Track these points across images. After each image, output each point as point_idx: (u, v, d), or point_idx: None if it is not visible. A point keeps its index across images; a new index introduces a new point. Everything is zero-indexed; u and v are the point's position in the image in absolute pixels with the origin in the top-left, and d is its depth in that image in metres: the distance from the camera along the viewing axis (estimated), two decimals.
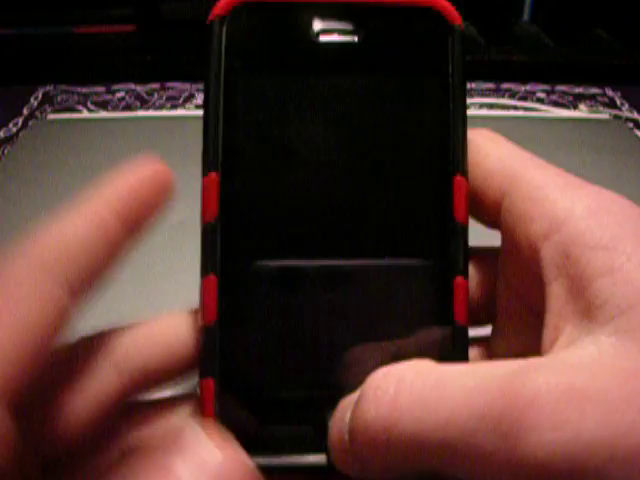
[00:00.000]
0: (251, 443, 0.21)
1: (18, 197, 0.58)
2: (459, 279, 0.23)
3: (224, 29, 0.24)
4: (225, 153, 0.23)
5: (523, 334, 0.23)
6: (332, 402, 0.21)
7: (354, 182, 0.23)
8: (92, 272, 0.22)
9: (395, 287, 0.23)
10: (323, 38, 0.24)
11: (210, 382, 0.22)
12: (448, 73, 0.24)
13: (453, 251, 0.23)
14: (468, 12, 0.90)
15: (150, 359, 0.23)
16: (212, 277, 0.23)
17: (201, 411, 0.22)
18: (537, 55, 0.86)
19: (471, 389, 0.17)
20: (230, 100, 0.24)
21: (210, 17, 0.24)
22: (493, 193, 0.22)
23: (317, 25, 0.24)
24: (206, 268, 0.23)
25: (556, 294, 0.19)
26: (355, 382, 0.20)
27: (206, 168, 0.23)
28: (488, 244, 0.24)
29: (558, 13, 0.90)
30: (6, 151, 0.66)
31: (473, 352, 0.25)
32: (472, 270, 0.24)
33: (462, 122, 0.24)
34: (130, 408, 0.24)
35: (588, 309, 0.18)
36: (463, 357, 0.23)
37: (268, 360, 0.23)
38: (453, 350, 0.23)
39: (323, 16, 0.24)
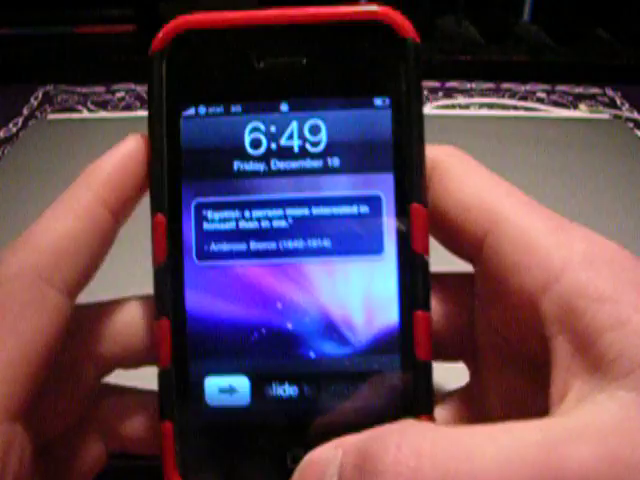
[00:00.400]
0: None
1: (18, 197, 0.58)
2: (419, 313, 0.22)
3: (164, 64, 0.23)
4: (170, 198, 0.23)
5: (509, 375, 0.23)
6: (298, 449, 0.22)
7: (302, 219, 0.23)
8: (88, 268, 0.22)
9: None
10: (268, 63, 0.23)
11: (168, 425, 0.22)
12: (401, 92, 0.23)
13: (413, 284, 0.22)
14: (468, 12, 0.90)
15: (116, 347, 0.24)
16: (165, 321, 0.23)
17: (162, 458, 0.22)
18: (537, 55, 0.86)
19: (505, 462, 0.15)
20: (173, 143, 0.23)
21: (150, 51, 0.23)
22: (472, 229, 0.22)
23: (261, 50, 0.23)
24: (160, 310, 0.23)
25: (562, 349, 0.19)
26: (314, 425, 0.22)
27: (154, 209, 0.23)
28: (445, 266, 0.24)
29: (558, 13, 0.90)
30: (6, 151, 0.66)
31: (449, 396, 0.24)
32: (437, 300, 0.24)
33: (417, 145, 0.23)
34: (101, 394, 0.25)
35: (598, 364, 0.18)
36: (427, 396, 0.22)
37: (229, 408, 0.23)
38: (415, 388, 0.22)
39: (267, 40, 0.23)
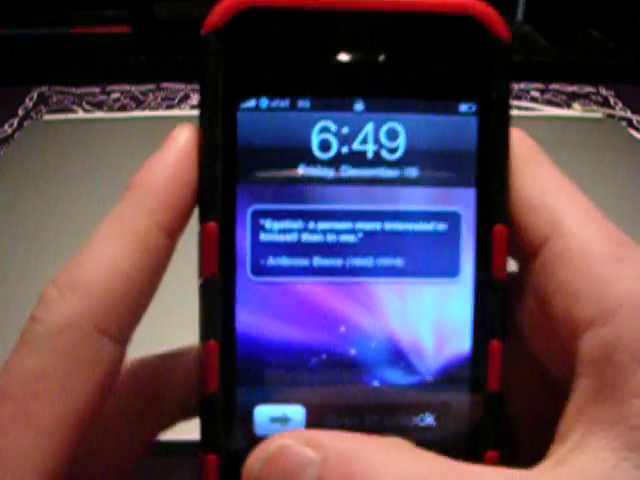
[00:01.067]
0: None
1: (14, 198, 0.58)
2: (495, 344, 0.20)
3: (221, 46, 0.20)
4: (224, 204, 0.20)
5: (530, 381, 0.22)
6: None
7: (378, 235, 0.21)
8: (143, 306, 0.19)
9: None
10: (343, 53, 0.20)
11: (212, 459, 0.20)
12: (490, 98, 0.20)
13: (490, 311, 0.21)
14: None
15: (178, 401, 0.22)
16: (213, 344, 0.20)
17: None
18: (531, 54, 0.86)
19: None
20: (229, 139, 0.20)
21: (204, 29, 0.20)
22: (532, 232, 0.20)
23: (337, 38, 0.20)
24: (207, 331, 0.20)
25: (584, 391, 0.18)
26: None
27: (204, 216, 0.20)
28: None
29: (552, 13, 0.91)
30: (2, 152, 0.66)
31: None
32: None
33: (504, 159, 0.21)
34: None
35: (616, 425, 0.17)
36: (494, 431, 0.21)
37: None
38: (484, 422, 0.21)
39: (344, 27, 0.20)
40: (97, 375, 0.18)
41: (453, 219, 0.21)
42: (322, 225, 0.21)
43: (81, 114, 0.74)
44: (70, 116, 0.74)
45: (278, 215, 0.21)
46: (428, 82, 0.21)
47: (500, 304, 0.21)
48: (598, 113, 0.75)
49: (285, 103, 0.20)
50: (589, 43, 0.90)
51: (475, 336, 0.21)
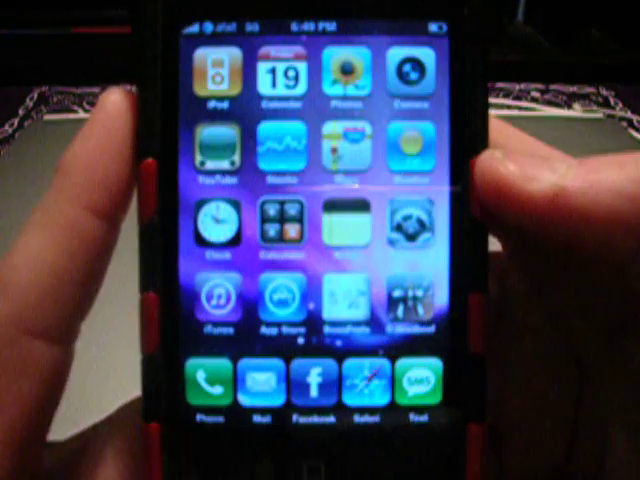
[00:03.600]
0: None
1: (14, 198, 0.58)
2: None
3: None
4: (165, 143, 0.19)
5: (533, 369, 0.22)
6: (317, 460, 0.19)
7: None
8: (85, 296, 0.18)
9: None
10: None
11: (154, 428, 0.19)
12: (461, 17, 0.19)
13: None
14: None
15: None
16: (151, 295, 0.19)
17: (146, 469, 0.19)
18: (531, 55, 0.86)
19: None
20: (170, 70, 0.19)
21: None
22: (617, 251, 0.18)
23: None
24: (146, 282, 0.19)
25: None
26: None
27: (142, 153, 0.19)
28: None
29: (552, 13, 0.91)
30: (2, 152, 0.66)
31: None
32: None
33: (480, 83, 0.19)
34: None
35: None
36: (482, 396, 0.20)
37: None
38: (468, 387, 0.20)
39: None
40: (31, 382, 0.16)
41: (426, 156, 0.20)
42: (268, 158, 0.19)
43: (81, 114, 0.74)
44: (70, 116, 0.74)
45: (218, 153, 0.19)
46: (393, 0, 0.19)
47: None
48: (598, 113, 0.75)
49: (231, 27, 0.19)
50: (589, 43, 0.89)
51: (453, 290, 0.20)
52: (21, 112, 0.75)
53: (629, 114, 0.75)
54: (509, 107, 0.75)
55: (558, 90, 0.81)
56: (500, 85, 0.81)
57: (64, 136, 0.77)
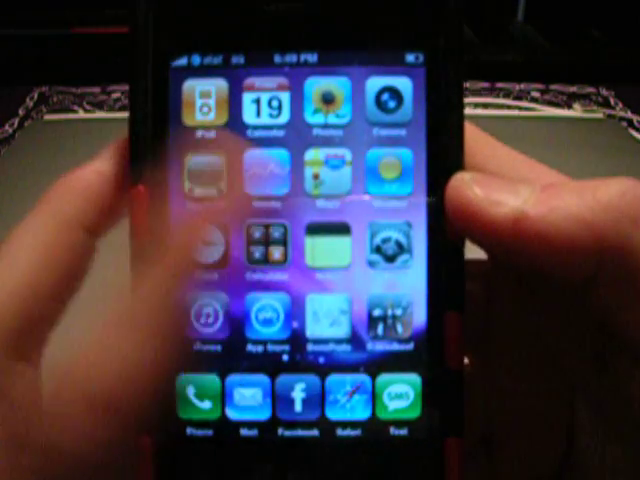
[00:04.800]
0: None
1: (14, 198, 0.58)
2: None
3: (152, 2, 0.20)
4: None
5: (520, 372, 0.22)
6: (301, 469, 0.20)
7: None
8: (58, 310, 0.19)
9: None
10: (278, 5, 0.20)
11: (146, 441, 0.20)
12: (437, 48, 0.20)
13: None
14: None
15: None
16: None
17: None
18: (531, 55, 0.86)
19: None
20: (160, 101, 0.20)
21: None
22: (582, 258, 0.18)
23: None
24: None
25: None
26: None
27: (134, 180, 0.20)
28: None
29: (552, 13, 0.91)
30: (2, 152, 0.66)
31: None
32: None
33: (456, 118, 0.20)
34: None
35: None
36: (459, 411, 0.20)
37: None
38: (446, 401, 0.20)
39: None
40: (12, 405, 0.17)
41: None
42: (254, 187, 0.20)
43: (81, 114, 0.74)
44: (70, 116, 0.74)
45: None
46: (372, 32, 0.20)
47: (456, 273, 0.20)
48: (598, 113, 0.75)
49: (218, 60, 0.20)
50: (589, 43, 0.90)
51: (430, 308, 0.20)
52: (21, 112, 0.75)
53: (629, 114, 0.75)
54: (509, 107, 0.75)
55: (558, 90, 0.81)
56: (500, 85, 0.81)
57: (64, 136, 0.78)
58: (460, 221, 0.19)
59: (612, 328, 0.18)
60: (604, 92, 0.81)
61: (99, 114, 0.74)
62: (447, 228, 0.19)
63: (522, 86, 0.81)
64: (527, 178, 0.19)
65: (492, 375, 0.22)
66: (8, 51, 0.85)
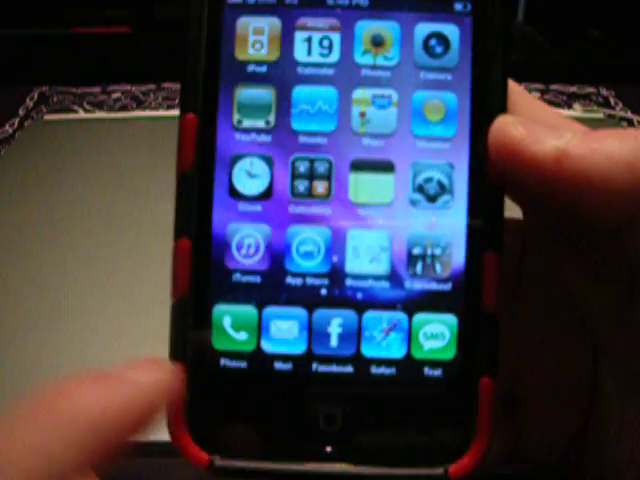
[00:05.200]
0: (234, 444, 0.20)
1: (15, 198, 0.58)
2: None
3: None
4: (205, 98, 0.21)
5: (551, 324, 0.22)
6: (334, 409, 0.20)
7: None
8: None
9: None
10: None
11: (180, 367, 0.20)
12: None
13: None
14: None
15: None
16: (185, 241, 0.20)
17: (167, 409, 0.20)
18: (531, 55, 0.86)
19: None
20: (215, 39, 0.21)
21: None
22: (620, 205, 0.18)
23: None
24: (180, 228, 0.20)
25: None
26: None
27: (184, 110, 0.20)
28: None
29: (552, 13, 0.91)
30: (2, 152, 0.66)
31: None
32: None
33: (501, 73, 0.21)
34: None
35: None
36: (494, 352, 0.20)
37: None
38: (480, 342, 0.20)
39: None
40: None
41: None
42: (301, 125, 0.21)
43: (82, 114, 0.74)
44: (71, 116, 0.74)
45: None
46: None
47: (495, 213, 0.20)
48: (599, 113, 0.75)
49: None
50: (589, 43, 0.89)
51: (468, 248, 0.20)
52: (21, 112, 0.75)
53: (629, 114, 0.75)
54: None
55: (558, 90, 0.81)
56: None
57: (64, 136, 0.78)
58: (503, 159, 0.19)
59: None
60: (604, 92, 0.81)
61: (99, 114, 0.74)
62: (489, 169, 0.20)
63: (522, 86, 0.81)
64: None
65: (519, 335, 0.23)
66: (8, 51, 0.85)
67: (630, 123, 0.73)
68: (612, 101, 0.79)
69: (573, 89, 0.81)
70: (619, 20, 0.89)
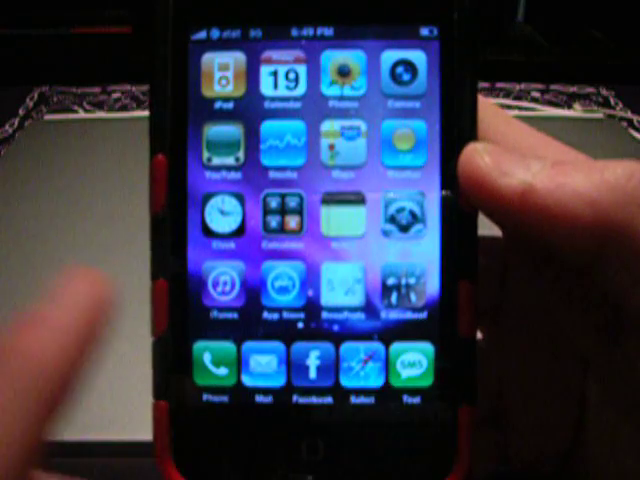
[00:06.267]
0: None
1: (15, 197, 0.58)
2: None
3: None
4: (173, 138, 0.20)
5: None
6: (315, 438, 0.20)
7: None
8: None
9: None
10: None
11: (163, 406, 0.20)
12: (451, 21, 0.20)
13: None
14: None
15: None
16: (162, 282, 0.20)
17: (154, 445, 0.20)
18: (531, 55, 0.86)
19: None
20: (180, 73, 0.20)
21: None
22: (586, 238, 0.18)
23: None
24: (157, 269, 0.21)
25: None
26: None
27: (154, 150, 0.20)
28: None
29: (552, 13, 0.91)
30: (3, 152, 0.66)
31: None
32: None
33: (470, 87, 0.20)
34: None
35: None
36: (472, 379, 0.20)
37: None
38: (459, 369, 0.20)
39: None
40: None
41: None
42: (270, 160, 0.21)
43: (82, 114, 0.74)
44: (71, 116, 0.74)
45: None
46: (386, 6, 0.20)
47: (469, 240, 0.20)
48: (599, 113, 0.75)
49: (236, 33, 0.21)
50: (589, 43, 0.89)
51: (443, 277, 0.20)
52: (21, 112, 0.75)
53: (629, 114, 0.75)
54: (509, 107, 0.75)
55: (558, 90, 0.81)
56: (500, 85, 0.81)
57: (64, 136, 0.78)
58: (471, 190, 0.19)
59: (620, 306, 0.18)
60: (604, 92, 0.81)
61: (99, 114, 0.74)
62: (460, 198, 0.20)
63: (522, 86, 0.81)
64: (540, 154, 0.19)
65: (504, 349, 0.22)
66: (8, 51, 0.84)
67: (630, 123, 0.73)
68: (612, 101, 0.79)
69: (573, 89, 0.81)
70: (619, 20, 0.89)
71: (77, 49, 0.86)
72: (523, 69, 0.84)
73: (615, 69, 0.85)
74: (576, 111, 0.76)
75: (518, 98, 0.78)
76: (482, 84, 0.80)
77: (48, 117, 0.73)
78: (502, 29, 0.90)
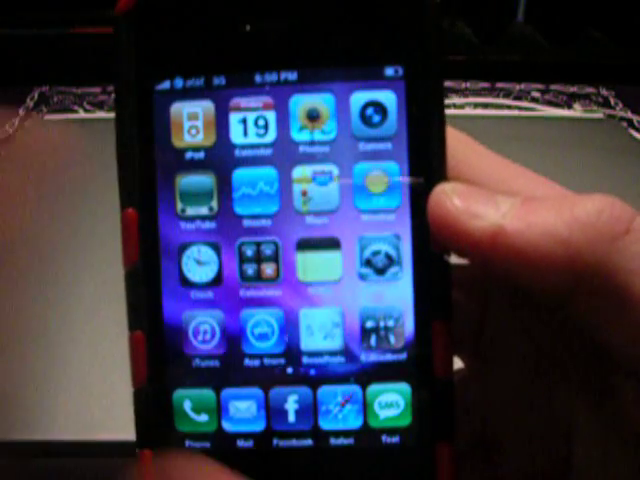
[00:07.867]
0: None
1: (15, 197, 0.58)
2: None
3: (131, 27, 0.20)
4: (143, 192, 0.20)
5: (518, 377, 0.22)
6: None
7: None
8: None
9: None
10: (256, 25, 0.20)
11: (147, 454, 0.21)
12: (417, 61, 0.20)
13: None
14: (462, 12, 0.90)
15: None
16: (139, 334, 0.21)
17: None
18: (531, 55, 0.86)
19: None
20: (145, 124, 0.20)
21: (115, 11, 0.20)
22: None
23: (248, 10, 0.20)
24: (133, 322, 0.21)
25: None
26: None
27: (124, 204, 0.20)
28: None
29: (552, 13, 0.91)
30: (3, 152, 0.66)
31: None
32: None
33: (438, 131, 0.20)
34: None
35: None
36: (449, 418, 0.20)
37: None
38: (435, 410, 0.20)
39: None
40: None
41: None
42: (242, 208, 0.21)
43: (82, 114, 0.74)
44: (70, 116, 0.74)
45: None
46: (350, 47, 0.20)
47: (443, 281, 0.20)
48: (599, 113, 0.75)
49: (200, 82, 0.20)
50: (589, 43, 0.89)
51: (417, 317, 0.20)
52: (21, 112, 0.75)
53: (629, 114, 0.75)
54: (509, 107, 0.75)
55: (558, 90, 0.81)
56: (500, 85, 0.81)
57: (65, 136, 0.78)
58: (441, 233, 0.19)
59: (597, 342, 0.18)
60: (604, 92, 0.81)
61: (99, 114, 0.74)
62: (431, 240, 0.20)
63: (522, 86, 0.81)
64: (512, 188, 0.19)
65: (489, 379, 0.22)
66: (8, 51, 0.84)
67: (630, 123, 0.73)
68: (612, 101, 0.79)
69: (573, 89, 0.81)
70: (619, 20, 0.89)
71: (77, 49, 0.86)
72: (523, 69, 0.84)
73: (615, 69, 0.85)
74: (576, 111, 0.76)
75: (518, 98, 0.78)
76: (482, 84, 0.80)
77: (48, 117, 0.73)
78: (502, 29, 0.90)
